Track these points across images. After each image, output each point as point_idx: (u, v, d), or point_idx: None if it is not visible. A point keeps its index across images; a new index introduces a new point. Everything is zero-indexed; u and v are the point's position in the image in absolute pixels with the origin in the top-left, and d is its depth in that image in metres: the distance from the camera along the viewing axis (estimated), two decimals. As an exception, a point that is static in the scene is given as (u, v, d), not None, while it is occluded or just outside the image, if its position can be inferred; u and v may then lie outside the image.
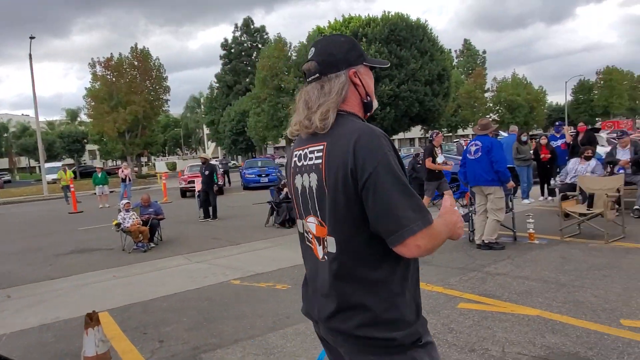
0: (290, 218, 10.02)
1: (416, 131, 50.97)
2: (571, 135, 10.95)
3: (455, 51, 61.66)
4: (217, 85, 53.74)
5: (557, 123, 12.56)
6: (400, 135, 49.45)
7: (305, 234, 1.55)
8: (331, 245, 1.41)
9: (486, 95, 51.70)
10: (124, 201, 9.21)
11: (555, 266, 5.41)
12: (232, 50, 53.13)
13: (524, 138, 10.83)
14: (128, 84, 35.03)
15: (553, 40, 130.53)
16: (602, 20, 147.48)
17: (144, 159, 58.07)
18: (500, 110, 50.03)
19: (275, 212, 10.24)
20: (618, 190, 6.62)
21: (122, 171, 17.80)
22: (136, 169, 41.99)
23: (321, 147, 1.41)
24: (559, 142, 11.04)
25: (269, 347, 3.82)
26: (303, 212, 1.53)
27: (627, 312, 3.90)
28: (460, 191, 10.79)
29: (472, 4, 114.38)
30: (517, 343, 3.48)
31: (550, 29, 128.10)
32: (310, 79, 1.50)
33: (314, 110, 1.42)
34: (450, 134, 56.51)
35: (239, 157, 55.15)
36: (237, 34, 53.42)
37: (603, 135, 18.36)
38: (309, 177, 1.45)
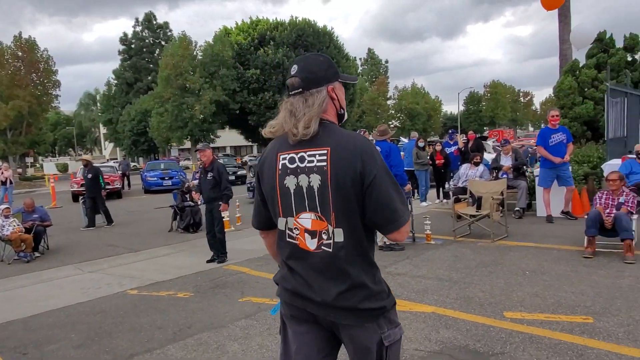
0: (195, 222, 9.68)
1: (323, 135, 51.98)
2: (463, 142, 11.85)
3: (360, 59, 64.04)
4: (116, 82, 50.52)
5: (450, 131, 13.55)
6: (308, 139, 50.27)
7: (289, 231, 1.71)
8: (338, 235, 1.63)
9: (388, 102, 54.34)
10: (3, 206, 8.25)
11: (449, 264, 5.79)
12: (133, 46, 50.23)
13: (421, 144, 11.49)
14: (10, 77, 31.58)
15: (447, 55, 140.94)
16: (489, 39, 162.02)
17: (29, 160, 52.72)
18: (401, 118, 52.83)
19: (178, 217, 9.83)
20: (502, 194, 7.26)
21: (2, 173, 15.99)
22: (20, 170, 38.03)
23: (324, 151, 1.62)
24: (453, 149, 11.89)
25: None
26: (294, 209, 1.68)
27: (509, 305, 4.28)
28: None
29: (375, 15, 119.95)
30: (414, 340, 3.65)
31: (444, 43, 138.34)
32: (293, 92, 1.69)
33: (299, 118, 1.63)
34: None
35: (140, 158, 52.30)
36: (138, 29, 50.63)
37: (490, 142, 20.12)
38: (309, 177, 1.64)
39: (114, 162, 30.39)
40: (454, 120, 63.10)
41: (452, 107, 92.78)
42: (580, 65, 13.37)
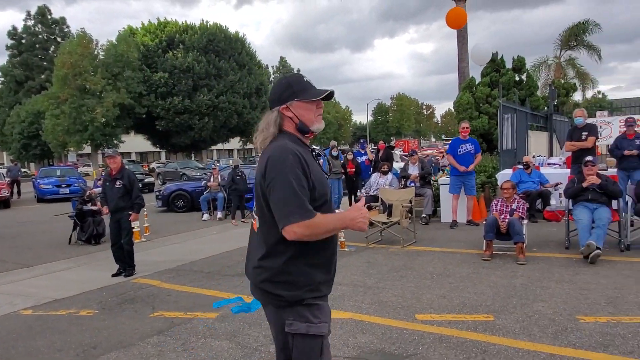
0: (98, 234, 9.03)
1: (235, 142, 51.26)
2: (372, 152, 12.33)
3: (272, 67, 64.21)
4: (3, 79, 45.79)
5: (361, 140, 14.07)
6: (219, 146, 49.17)
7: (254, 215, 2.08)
8: (257, 222, 2.03)
9: (300, 111, 54.96)
10: None
11: (363, 270, 5.98)
12: (23, 41, 45.87)
13: (335, 153, 11.77)
14: None
15: (356, 66, 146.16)
16: (394, 54, 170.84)
17: None
18: (313, 126, 53.69)
19: (79, 228, 9.10)
20: (410, 201, 7.66)
21: None
22: None
23: (260, 154, 2.05)
24: (364, 158, 12.33)
25: (72, 385, 3.33)
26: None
27: (420, 307, 4.51)
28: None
29: (287, 24, 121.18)
30: (332, 346, 3.69)
31: (354, 55, 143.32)
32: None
33: (261, 134, 2.03)
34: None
35: (32, 164, 47.75)
36: (30, 22, 46.37)
37: (397, 152, 21.14)
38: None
39: (0, 168, 27.42)
40: (363, 129, 65.49)
41: (362, 117, 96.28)
42: (476, 82, 14.57)
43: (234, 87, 34.29)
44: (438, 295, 4.85)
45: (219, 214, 11.58)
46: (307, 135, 2.06)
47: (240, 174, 11.20)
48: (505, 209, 6.48)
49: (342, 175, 11.63)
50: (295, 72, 65.22)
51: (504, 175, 9.39)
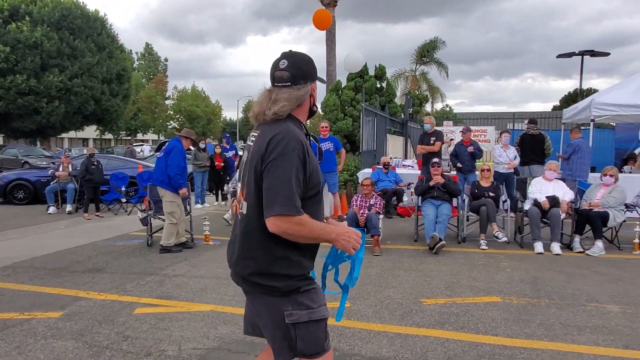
0: None
1: (91, 131, 46.77)
2: (242, 148, 12.26)
3: (137, 53, 59.93)
4: None
5: (224, 135, 13.98)
6: (72, 134, 44.42)
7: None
8: (244, 207, 1.86)
9: (167, 102, 52.26)
10: None
11: (227, 264, 5.88)
12: None
13: (202, 145, 11.43)
14: None
15: (228, 61, 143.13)
16: (267, 52, 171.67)
17: None
18: (180, 119, 51.39)
19: None
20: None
21: None
22: None
23: (256, 133, 1.89)
24: (230, 153, 12.21)
25: None
26: (241, 179, 1.95)
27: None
28: (138, 195, 10.49)
29: (154, 9, 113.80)
30: (192, 339, 3.60)
31: (226, 50, 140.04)
32: (281, 84, 1.87)
33: (275, 104, 1.83)
34: (130, 137, 54.46)
35: None
36: None
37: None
38: (245, 153, 1.94)
39: None
40: (234, 126, 64.68)
41: (232, 113, 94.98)
42: (343, 86, 15.35)
43: (91, 71, 31.25)
44: (300, 285, 4.99)
45: (69, 207, 10.46)
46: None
47: (95, 163, 10.27)
48: (364, 205, 6.92)
49: (207, 169, 11.34)
50: (163, 61, 61.94)
51: (365, 173, 10.05)
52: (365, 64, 15.58)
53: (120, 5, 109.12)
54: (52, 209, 10.45)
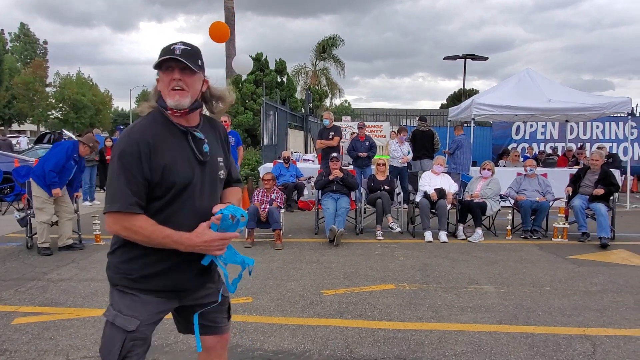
0: None
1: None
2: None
3: (10, 34, 53.53)
4: None
5: (117, 127, 13.15)
6: None
7: None
8: None
9: (47, 90, 47.41)
10: None
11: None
12: None
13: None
14: None
15: (119, 47, 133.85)
16: (162, 40, 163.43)
17: None
18: (64, 109, 47.02)
19: None
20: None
21: None
22: None
23: None
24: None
25: None
26: None
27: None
28: (15, 193, 9.46)
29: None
30: (82, 347, 3.36)
31: (115, 35, 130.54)
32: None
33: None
34: (3, 128, 48.60)
35: None
36: None
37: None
38: None
39: None
40: (126, 117, 60.77)
41: (124, 103, 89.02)
42: (243, 79, 15.15)
43: (-48, 51, 27.40)
44: (201, 283, 4.88)
45: None
46: (178, 113, 1.74)
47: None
48: (265, 199, 6.93)
49: (96, 164, 10.57)
50: (42, 44, 56.15)
51: (266, 168, 10.05)
52: (266, 57, 15.54)
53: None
54: None
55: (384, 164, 8.00)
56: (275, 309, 4.18)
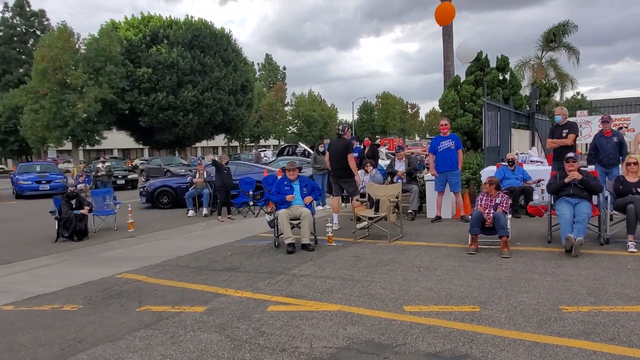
0: (80, 230, 8.89)
1: (220, 140, 50.87)
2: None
3: (258, 64, 63.92)
4: (-20, 73, 44.77)
5: (353, 137, 14.11)
6: (204, 143, 48.76)
7: None
8: None
9: (286, 108, 54.89)
10: None
11: (351, 264, 6.01)
12: (0, 34, 44.93)
13: (321, 149, 11.77)
14: None
15: (342, 65, 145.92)
16: (380, 53, 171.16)
17: None
18: (298, 124, 53.65)
19: (62, 224, 8.93)
20: (397, 197, 7.71)
21: None
22: None
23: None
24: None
25: (59, 377, 3.30)
26: None
27: (408, 299, 4.55)
28: (265, 198, 11.14)
29: (273, 22, 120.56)
30: (322, 338, 3.73)
31: (339, 54, 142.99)
32: None
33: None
34: (253, 144, 58.08)
35: (9, 160, 46.80)
36: (8, 14, 45.44)
37: (383, 150, 21.27)
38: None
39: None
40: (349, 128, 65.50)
41: (347, 115, 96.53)
42: (461, 81, 14.70)
43: (219, 84, 34.03)
44: (425, 287, 4.90)
45: (205, 211, 11.50)
46: None
47: (226, 169, 11.13)
48: (489, 204, 6.57)
49: (327, 171, 11.62)
50: (281, 69, 65.11)
51: (488, 171, 9.52)
52: (486, 56, 14.78)
53: (241, 19, 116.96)
54: (191, 212, 11.57)
55: (635, 163, 6.70)
56: (506, 321, 3.90)
